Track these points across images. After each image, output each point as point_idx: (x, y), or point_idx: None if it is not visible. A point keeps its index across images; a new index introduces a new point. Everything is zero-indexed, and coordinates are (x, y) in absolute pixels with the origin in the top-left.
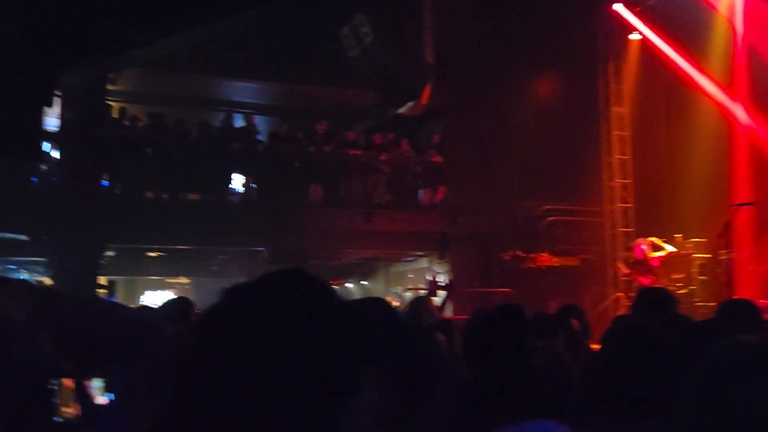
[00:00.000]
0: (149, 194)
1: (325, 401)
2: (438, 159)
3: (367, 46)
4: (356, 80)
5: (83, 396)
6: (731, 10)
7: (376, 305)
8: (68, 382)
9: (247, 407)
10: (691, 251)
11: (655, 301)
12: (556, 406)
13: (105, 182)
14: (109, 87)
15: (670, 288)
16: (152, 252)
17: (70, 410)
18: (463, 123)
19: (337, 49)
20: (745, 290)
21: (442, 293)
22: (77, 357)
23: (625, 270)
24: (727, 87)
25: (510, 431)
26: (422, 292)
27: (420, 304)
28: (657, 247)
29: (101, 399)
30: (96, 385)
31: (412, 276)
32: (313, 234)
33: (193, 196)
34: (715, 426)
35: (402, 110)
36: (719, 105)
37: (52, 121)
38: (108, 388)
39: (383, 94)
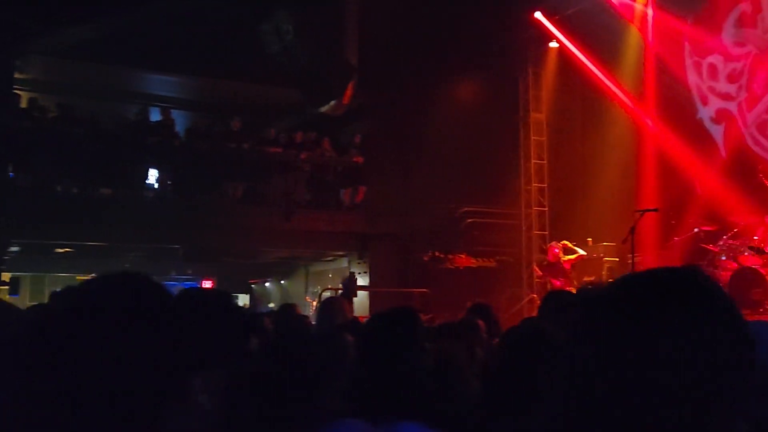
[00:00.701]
0: (58, 188)
1: (147, 405)
2: (359, 159)
3: (289, 44)
4: (277, 77)
5: None
6: (643, 22)
7: (218, 308)
8: None
9: (69, 408)
10: (601, 255)
11: (561, 304)
12: (440, 405)
13: (11, 174)
14: (18, 75)
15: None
16: (61, 248)
17: None
18: (385, 124)
19: (258, 45)
20: None
21: (362, 293)
22: None
23: (538, 272)
24: (638, 97)
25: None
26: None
27: (331, 304)
28: (569, 251)
29: None
30: None
31: (332, 276)
32: (231, 232)
33: (105, 191)
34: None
35: (324, 109)
36: (630, 114)
37: None
38: None
39: (305, 93)
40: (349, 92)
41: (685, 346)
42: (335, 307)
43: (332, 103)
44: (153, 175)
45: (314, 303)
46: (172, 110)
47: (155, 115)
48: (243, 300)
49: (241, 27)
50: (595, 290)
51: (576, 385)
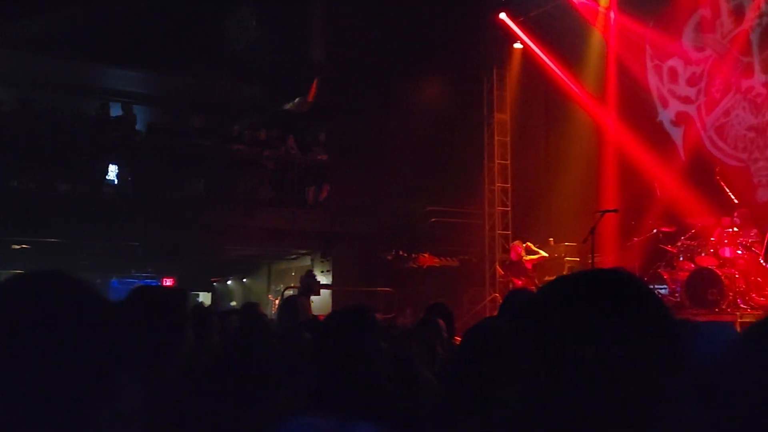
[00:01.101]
0: (15, 183)
1: (70, 405)
2: (324, 157)
3: (253, 40)
4: (241, 74)
5: None
6: (605, 25)
7: (156, 305)
8: None
9: None
10: (562, 254)
11: (521, 303)
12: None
13: None
14: None
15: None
16: (17, 244)
17: None
18: (350, 122)
19: (222, 41)
20: None
21: (325, 292)
22: None
23: (500, 271)
24: (599, 98)
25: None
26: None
27: (292, 303)
28: (531, 251)
29: None
30: None
31: (295, 274)
32: (193, 230)
33: (63, 187)
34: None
35: (288, 107)
36: (592, 115)
37: None
38: None
39: (269, 90)
40: (313, 90)
41: (612, 346)
42: (296, 306)
43: (297, 100)
44: (113, 171)
45: (276, 301)
46: (133, 106)
47: (116, 111)
48: (204, 298)
49: (205, 23)
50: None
51: (523, 386)
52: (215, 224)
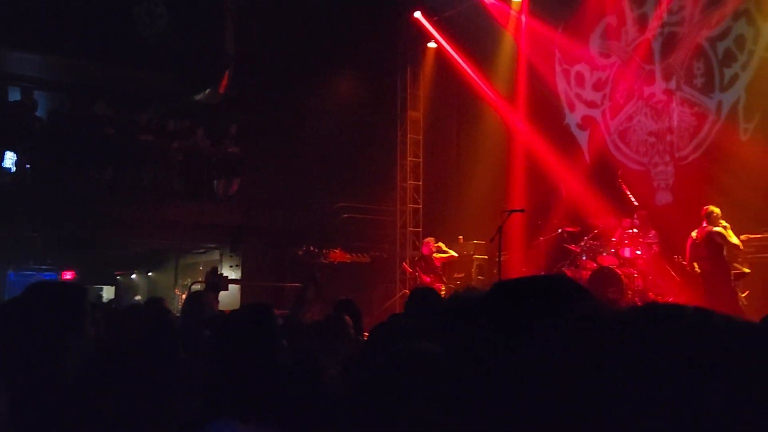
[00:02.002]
0: None
1: None
2: (235, 150)
3: (162, 28)
4: (150, 62)
5: None
6: (517, 28)
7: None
8: None
9: None
10: (471, 252)
11: (424, 301)
12: (300, 403)
13: None
14: None
15: (451, 287)
16: None
17: None
18: (263, 115)
19: (130, 27)
20: None
21: (234, 287)
22: None
23: (408, 269)
24: (510, 100)
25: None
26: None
27: (196, 298)
28: (442, 251)
29: None
30: None
31: (203, 268)
32: (96, 221)
33: None
34: None
35: (199, 97)
36: (502, 116)
37: None
38: None
39: (179, 79)
40: (225, 81)
41: (553, 352)
42: (201, 302)
43: (208, 91)
44: (10, 159)
45: (183, 296)
46: (34, 91)
47: (15, 95)
48: (108, 292)
49: (112, 7)
50: (469, 297)
51: (453, 390)
52: (120, 216)
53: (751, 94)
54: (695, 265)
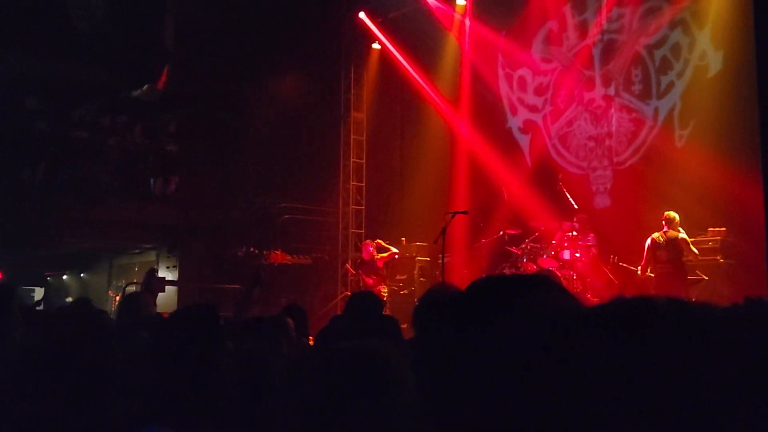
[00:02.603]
0: None
1: None
2: (173, 148)
3: (99, 21)
4: (85, 56)
5: None
6: (461, 31)
7: None
8: None
9: None
10: (414, 254)
11: (364, 304)
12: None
13: None
14: None
15: (394, 288)
16: None
17: None
18: (203, 113)
19: (65, 19)
20: None
21: (170, 288)
22: None
23: (351, 270)
24: (453, 102)
25: None
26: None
27: (132, 300)
28: (382, 249)
29: None
30: None
31: (138, 269)
32: (26, 219)
33: None
34: None
35: (137, 93)
36: (446, 118)
37: None
38: None
39: (115, 74)
40: (164, 77)
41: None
42: (137, 303)
43: (146, 87)
44: None
45: (117, 298)
46: None
47: None
48: (38, 293)
49: None
50: (443, 294)
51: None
52: (52, 214)
53: (686, 102)
54: (648, 268)
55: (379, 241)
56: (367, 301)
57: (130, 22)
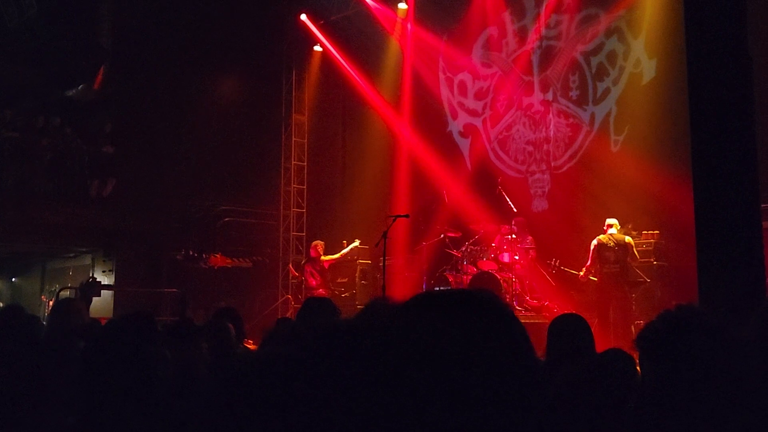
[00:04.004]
0: None
1: None
2: (110, 149)
3: (31, 19)
4: (16, 54)
5: None
6: (403, 35)
7: None
8: None
9: None
10: (355, 257)
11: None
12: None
13: None
14: None
15: (335, 291)
16: None
17: None
18: (140, 114)
19: None
20: (398, 294)
21: (106, 293)
22: None
23: (294, 272)
24: (395, 106)
25: None
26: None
27: (65, 306)
28: (325, 252)
29: None
30: None
31: (73, 273)
32: None
33: None
34: None
35: (71, 93)
36: (387, 122)
37: None
38: None
39: (49, 73)
40: (100, 77)
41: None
42: (70, 309)
43: (81, 87)
44: None
45: (51, 303)
46: None
47: None
48: None
49: None
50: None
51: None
52: None
53: (621, 108)
54: (592, 270)
55: (320, 241)
56: (323, 307)
57: (63, 21)
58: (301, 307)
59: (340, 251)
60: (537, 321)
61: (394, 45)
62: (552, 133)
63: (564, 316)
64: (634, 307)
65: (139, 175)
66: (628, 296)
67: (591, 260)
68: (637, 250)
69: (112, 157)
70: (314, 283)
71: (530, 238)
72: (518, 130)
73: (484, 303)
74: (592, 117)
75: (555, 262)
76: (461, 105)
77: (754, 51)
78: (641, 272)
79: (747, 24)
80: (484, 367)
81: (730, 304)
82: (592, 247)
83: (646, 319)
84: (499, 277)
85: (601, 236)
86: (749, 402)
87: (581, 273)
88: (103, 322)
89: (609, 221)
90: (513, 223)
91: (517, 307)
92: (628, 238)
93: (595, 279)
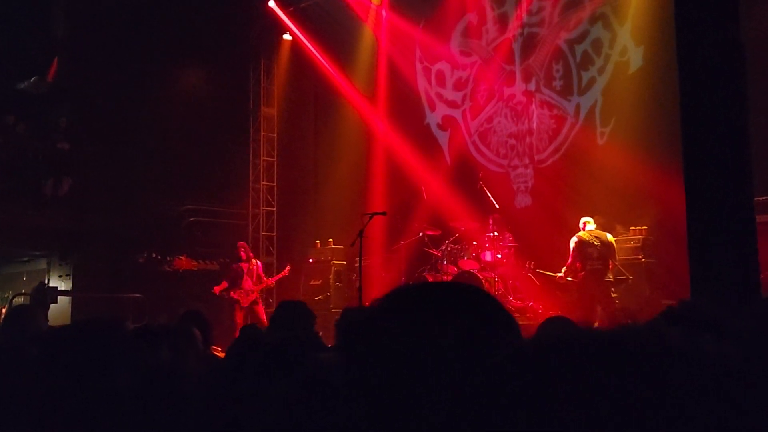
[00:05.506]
0: None
1: None
2: (65, 146)
3: None
4: None
5: None
6: (377, 23)
7: None
8: None
9: None
10: (329, 257)
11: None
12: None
13: None
14: None
15: (311, 298)
16: None
17: None
18: (98, 107)
19: None
20: (374, 296)
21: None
22: None
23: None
24: (370, 97)
25: None
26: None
27: (20, 313)
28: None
29: None
30: None
31: (27, 279)
32: None
33: None
34: None
35: (23, 86)
36: (362, 114)
37: None
38: None
39: None
40: (54, 69)
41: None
42: (26, 316)
43: (33, 79)
44: None
45: (3, 310)
46: None
47: None
48: None
49: None
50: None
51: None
52: None
53: (607, 98)
54: (571, 271)
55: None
56: (298, 311)
57: (13, 9)
58: (274, 312)
59: (311, 252)
60: (522, 323)
61: (368, 33)
62: (535, 125)
63: (551, 319)
64: (617, 303)
65: (97, 173)
66: (608, 291)
67: (572, 258)
68: (621, 246)
69: (68, 154)
70: (271, 282)
71: (508, 235)
72: (500, 122)
73: (470, 294)
74: (577, 108)
75: (530, 264)
76: (439, 96)
77: (747, 37)
78: (627, 269)
79: (739, 9)
80: (479, 359)
81: (723, 300)
82: (572, 245)
83: (632, 320)
84: (481, 276)
85: (581, 233)
86: (749, 402)
87: (559, 274)
88: None
89: (584, 219)
90: (490, 220)
91: None
92: (610, 237)
93: (573, 280)
